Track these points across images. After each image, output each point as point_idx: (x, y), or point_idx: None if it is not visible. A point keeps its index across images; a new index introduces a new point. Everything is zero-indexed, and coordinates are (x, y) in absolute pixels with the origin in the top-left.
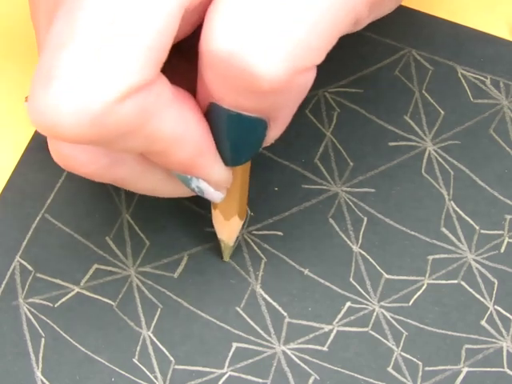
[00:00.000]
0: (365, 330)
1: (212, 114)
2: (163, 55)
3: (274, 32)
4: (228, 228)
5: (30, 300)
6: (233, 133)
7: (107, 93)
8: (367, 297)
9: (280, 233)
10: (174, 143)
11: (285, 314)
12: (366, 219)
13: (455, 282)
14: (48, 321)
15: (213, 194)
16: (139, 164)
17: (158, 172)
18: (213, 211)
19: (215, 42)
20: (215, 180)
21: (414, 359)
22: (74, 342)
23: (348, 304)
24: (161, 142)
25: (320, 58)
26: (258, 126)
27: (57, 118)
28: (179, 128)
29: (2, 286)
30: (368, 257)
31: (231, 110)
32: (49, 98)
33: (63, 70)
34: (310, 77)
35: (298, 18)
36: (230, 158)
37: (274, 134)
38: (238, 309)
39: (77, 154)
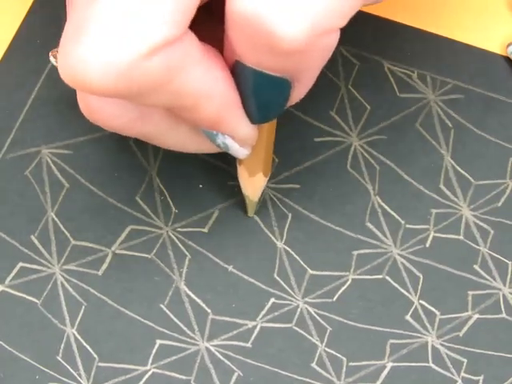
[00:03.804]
0: (289, 325)
1: (238, 72)
2: (190, 12)
3: None
4: (252, 184)
5: None
6: (257, 91)
7: (134, 48)
8: (291, 293)
9: (204, 230)
10: (201, 99)
11: (209, 310)
12: (290, 215)
13: (380, 276)
14: None
15: (238, 151)
16: (166, 119)
17: (185, 127)
18: (238, 167)
19: (240, 1)
20: (241, 136)
21: (338, 355)
22: None
23: (272, 300)
24: (188, 97)
25: (343, 21)
26: (282, 85)
27: (86, 72)
28: (207, 84)
29: None
30: (292, 253)
31: (255, 69)
32: (79, 52)
33: (93, 25)
34: (333, 39)
35: None
36: (255, 116)
37: (298, 93)
38: (162, 306)
39: (105, 107)
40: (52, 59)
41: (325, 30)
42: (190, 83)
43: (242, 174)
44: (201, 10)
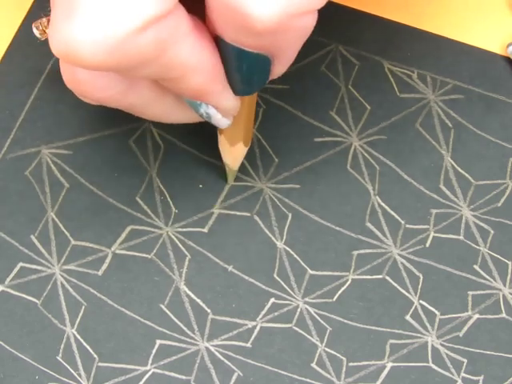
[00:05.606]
0: (289, 325)
1: (220, 47)
2: None
3: None
4: (233, 153)
5: None
6: (239, 66)
7: (127, 24)
8: (291, 293)
9: (204, 230)
10: (189, 71)
11: (208, 310)
12: (290, 215)
13: (380, 276)
14: None
15: (220, 120)
16: (152, 90)
17: (170, 98)
18: (219, 136)
19: None
20: (224, 107)
21: (338, 355)
22: None
23: (272, 300)
24: (177, 69)
25: (320, 2)
26: (262, 61)
27: (78, 48)
28: (195, 57)
29: None
30: (292, 253)
31: (234, 45)
32: (71, 28)
33: (84, 1)
34: (310, 20)
35: None
36: (238, 88)
37: (278, 69)
38: (162, 306)
39: (93, 79)
40: (35, 30)
41: (299, 12)
42: (180, 56)
43: (223, 143)
44: None
